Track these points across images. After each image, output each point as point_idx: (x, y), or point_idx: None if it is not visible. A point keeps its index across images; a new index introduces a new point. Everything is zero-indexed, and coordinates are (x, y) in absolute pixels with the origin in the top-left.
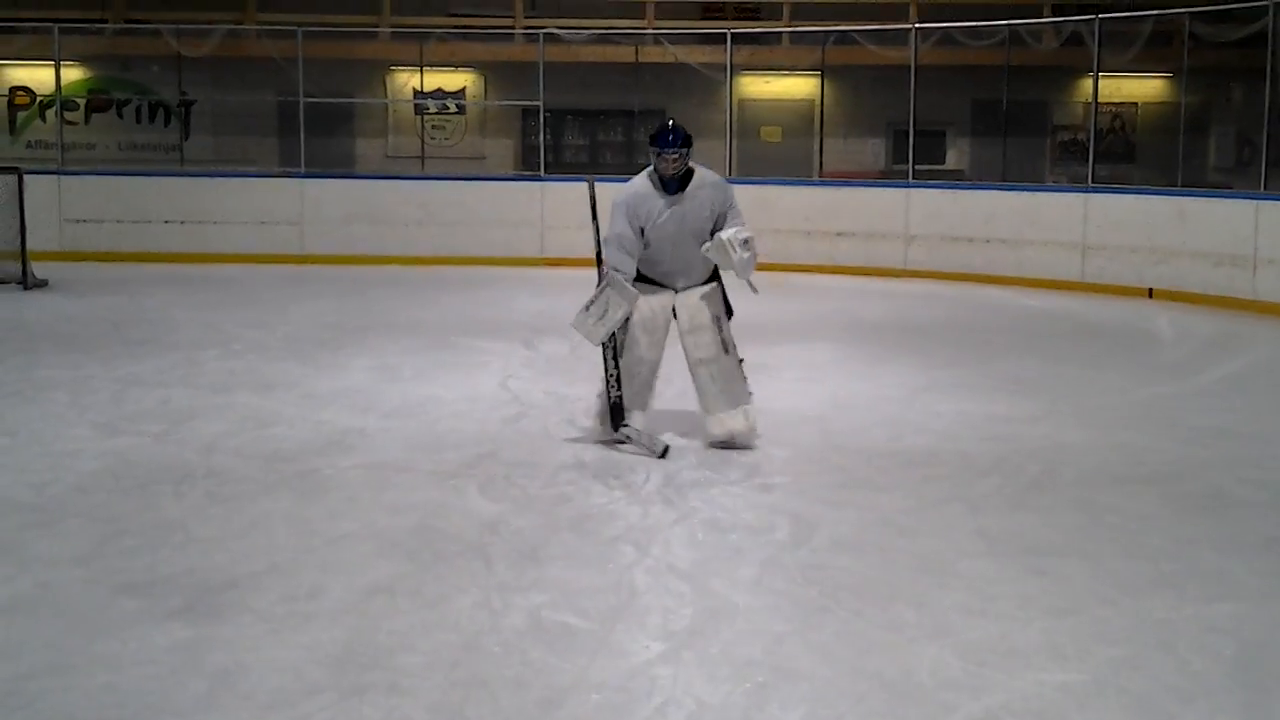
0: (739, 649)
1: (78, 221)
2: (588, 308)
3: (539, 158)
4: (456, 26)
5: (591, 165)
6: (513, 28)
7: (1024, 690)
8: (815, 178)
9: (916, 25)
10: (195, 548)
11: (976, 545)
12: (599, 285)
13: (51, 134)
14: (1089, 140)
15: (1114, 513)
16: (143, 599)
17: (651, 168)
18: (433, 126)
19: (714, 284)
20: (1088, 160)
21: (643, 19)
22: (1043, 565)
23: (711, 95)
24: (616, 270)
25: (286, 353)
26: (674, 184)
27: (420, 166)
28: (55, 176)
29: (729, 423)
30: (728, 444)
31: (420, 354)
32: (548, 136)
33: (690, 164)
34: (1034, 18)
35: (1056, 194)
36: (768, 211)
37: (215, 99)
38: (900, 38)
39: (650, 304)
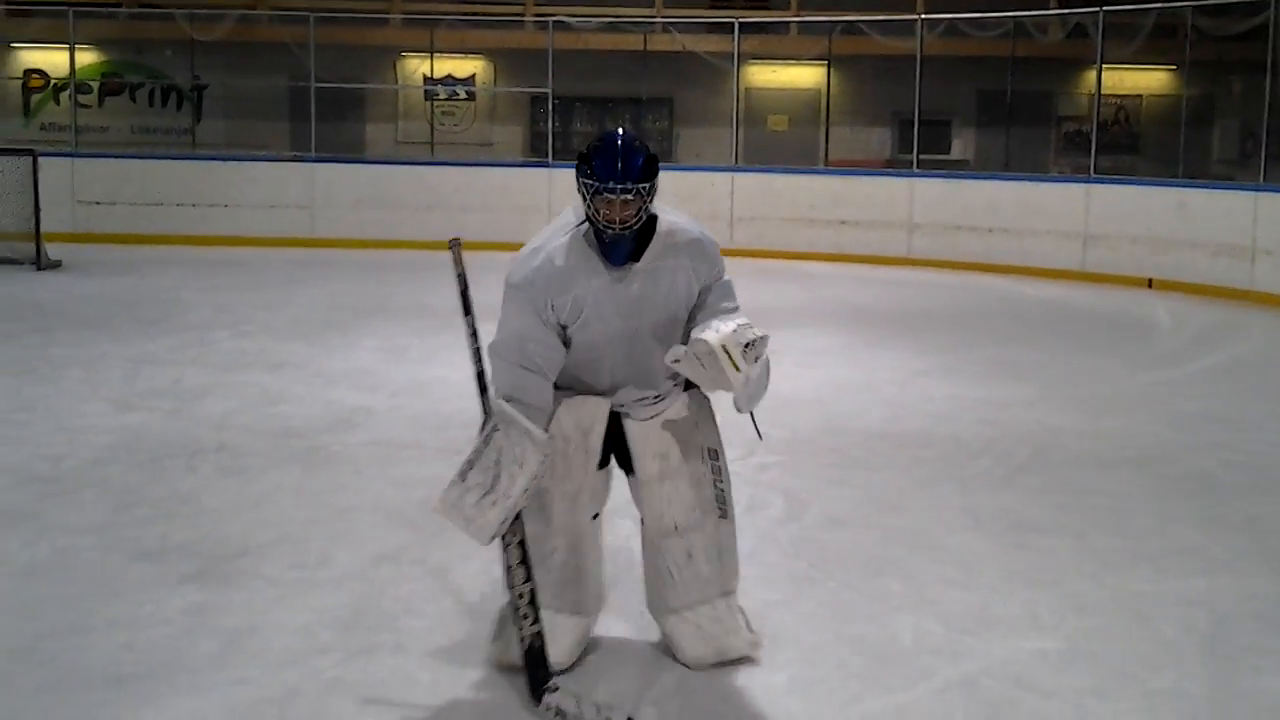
0: None
1: (91, 203)
2: (464, 474)
3: (547, 144)
4: (467, 13)
5: None
6: (523, 15)
7: (1002, 656)
8: (821, 166)
9: (923, 16)
10: (207, 518)
11: (964, 522)
12: (483, 430)
13: (65, 117)
14: (1092, 131)
15: (1099, 493)
16: (157, 565)
17: (581, 219)
18: (442, 112)
19: (693, 396)
20: (1091, 151)
21: (651, 7)
22: (1027, 541)
23: (719, 84)
24: (514, 401)
25: (296, 333)
26: (626, 247)
27: (430, 152)
28: (69, 159)
29: (716, 632)
30: (719, 662)
31: (427, 336)
32: (556, 123)
33: (654, 210)
34: (1039, 9)
35: (1059, 184)
36: (773, 199)
37: (227, 83)
38: (906, 28)
39: (568, 420)
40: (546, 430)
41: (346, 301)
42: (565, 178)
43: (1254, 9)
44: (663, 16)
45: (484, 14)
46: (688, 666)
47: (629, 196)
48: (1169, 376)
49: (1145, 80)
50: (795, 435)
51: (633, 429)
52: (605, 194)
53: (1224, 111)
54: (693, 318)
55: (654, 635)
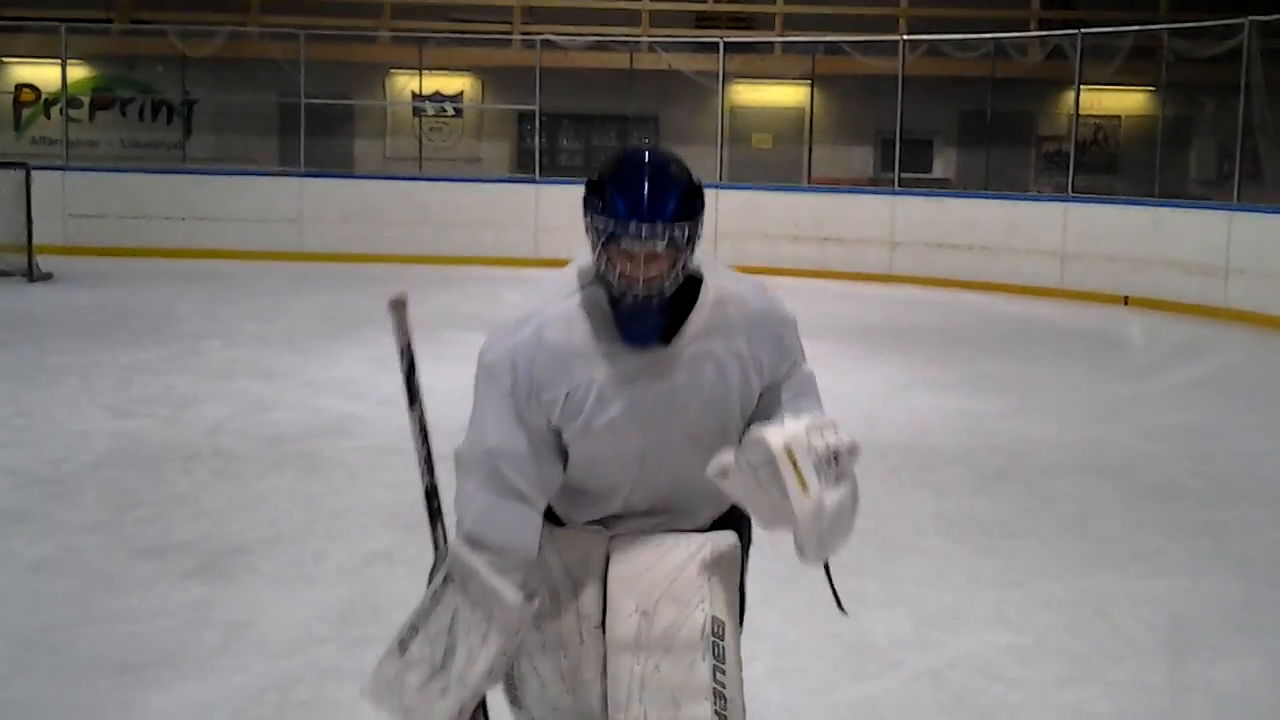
0: None
1: (81, 216)
2: (404, 643)
3: (534, 160)
4: (455, 31)
5: (586, 169)
6: (510, 33)
7: (970, 650)
8: (804, 184)
9: (905, 37)
10: (206, 518)
11: (936, 526)
12: (432, 582)
13: (55, 131)
14: (1070, 151)
15: (1068, 500)
16: (158, 562)
17: (577, 276)
18: (430, 129)
19: (726, 540)
20: (1069, 171)
21: (638, 27)
22: (996, 545)
23: (703, 102)
24: (477, 544)
25: (286, 344)
26: (649, 321)
27: (418, 168)
28: (60, 172)
29: None
30: None
31: (415, 347)
32: (543, 140)
33: (697, 268)
34: (1019, 31)
35: (1037, 203)
36: (757, 217)
37: (217, 99)
38: (889, 49)
39: (555, 564)
40: (526, 586)
41: (335, 313)
42: (552, 194)
43: (1230, 32)
44: (649, 36)
45: (472, 32)
46: None
47: (660, 245)
48: (1142, 390)
49: (1123, 101)
50: None
51: (615, 565)
52: (625, 240)
53: (1201, 132)
54: (758, 415)
55: None
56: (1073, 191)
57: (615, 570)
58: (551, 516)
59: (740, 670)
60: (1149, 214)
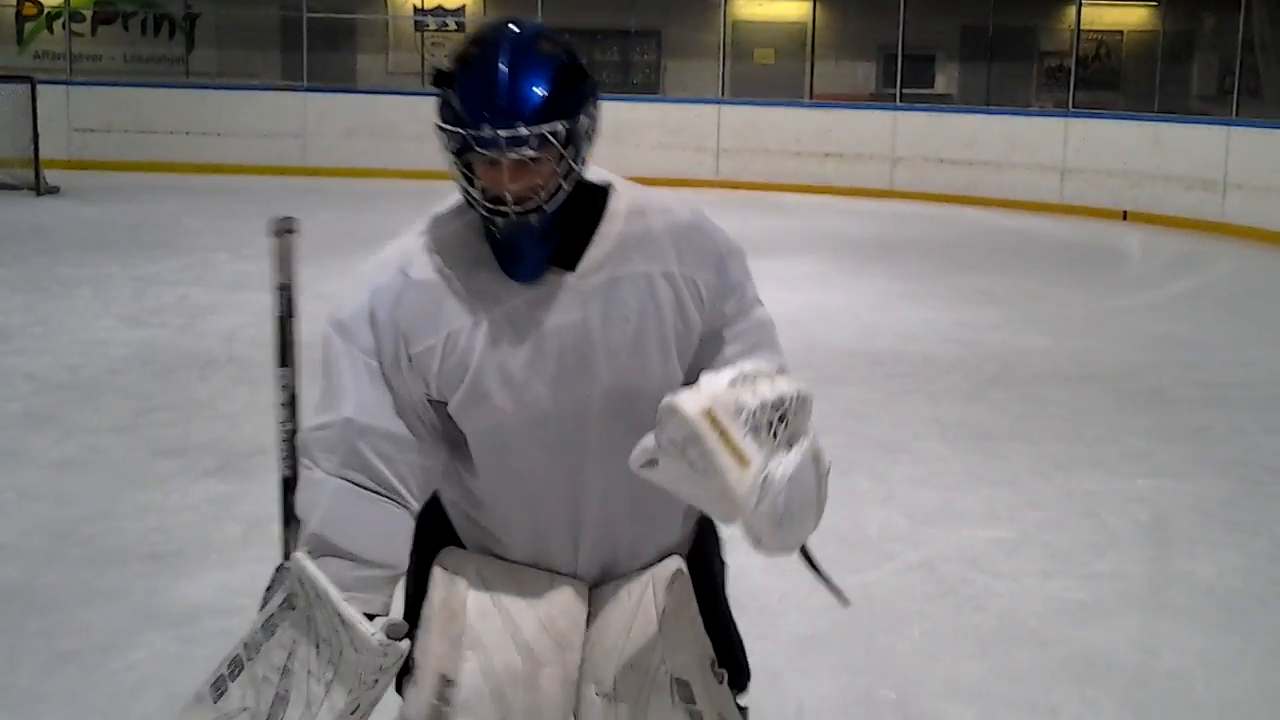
0: None
1: (86, 131)
2: (218, 687)
3: None
4: None
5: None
6: None
7: (959, 544)
8: (806, 100)
9: None
10: (223, 421)
11: (931, 430)
12: (266, 603)
13: (58, 45)
14: (1072, 67)
15: (1059, 405)
16: (179, 461)
17: (463, 202)
18: (432, 43)
19: (663, 567)
20: (1070, 86)
21: None
22: (988, 447)
23: (706, 17)
24: (326, 552)
25: (296, 257)
26: (533, 247)
27: (420, 83)
28: (64, 86)
29: None
30: None
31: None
32: None
33: (601, 179)
34: None
35: (1038, 118)
36: (759, 133)
37: (219, 13)
38: None
39: (528, 618)
40: (392, 621)
41: (344, 228)
42: None
43: None
44: None
45: None
46: None
47: (526, 150)
48: (1136, 302)
49: (1125, 16)
50: None
51: (596, 628)
52: (480, 149)
53: (1202, 47)
54: (698, 366)
55: None
56: (1074, 107)
57: (593, 634)
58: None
59: (730, 705)
60: (1149, 129)
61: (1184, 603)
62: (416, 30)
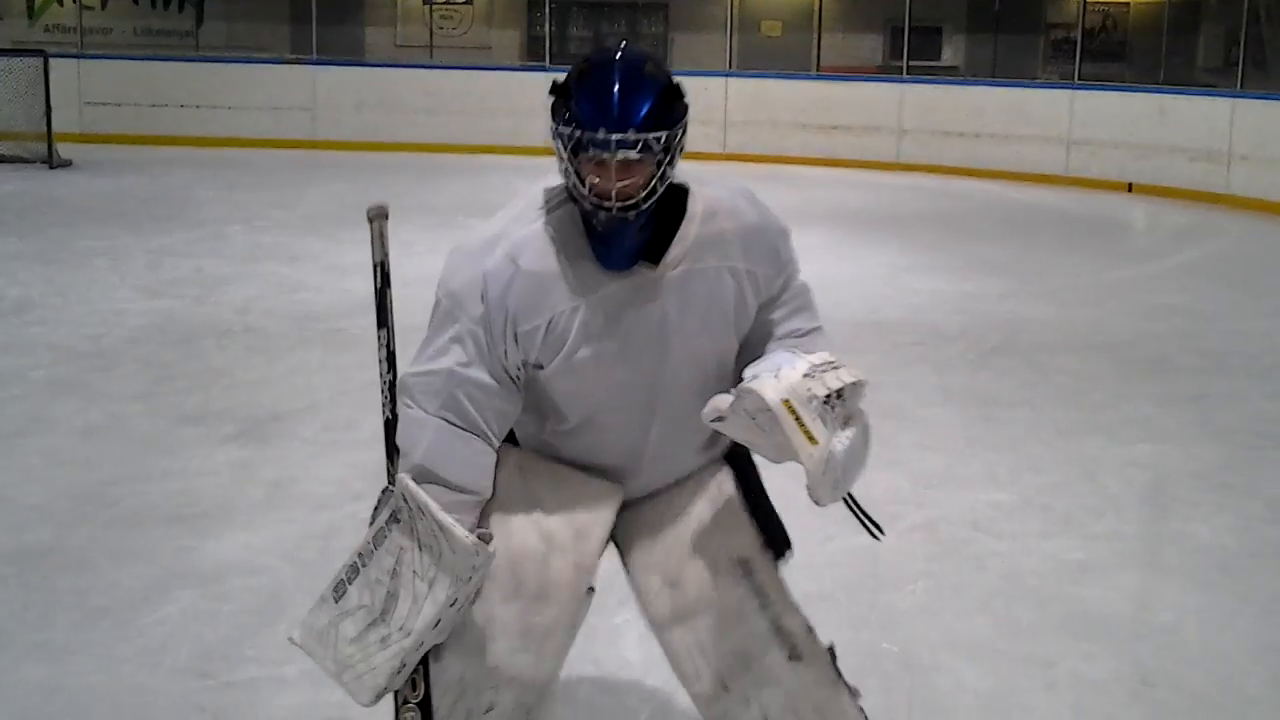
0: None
1: (98, 104)
2: (338, 590)
3: (544, 48)
4: None
5: None
6: None
7: (961, 506)
8: (813, 72)
9: None
10: (241, 389)
11: (936, 397)
12: (375, 520)
13: (69, 18)
14: (1078, 38)
15: (1063, 373)
16: (200, 427)
17: (562, 193)
18: (441, 16)
19: (718, 470)
20: (1076, 58)
21: None
22: (992, 414)
23: None
24: (430, 479)
25: (308, 229)
26: (628, 241)
27: (429, 56)
28: (75, 60)
29: None
30: None
31: (433, 232)
32: (553, 27)
33: (679, 179)
34: None
35: (1044, 90)
36: (766, 105)
37: None
38: None
39: (555, 508)
40: (481, 527)
41: (354, 200)
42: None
43: None
44: None
45: None
46: None
47: (633, 155)
48: (1141, 273)
49: None
50: None
51: (627, 537)
52: (595, 150)
53: (1208, 19)
54: (748, 347)
55: None
56: (1079, 79)
57: (631, 540)
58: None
59: (785, 592)
60: (1154, 101)
61: (1179, 562)
62: (425, 4)
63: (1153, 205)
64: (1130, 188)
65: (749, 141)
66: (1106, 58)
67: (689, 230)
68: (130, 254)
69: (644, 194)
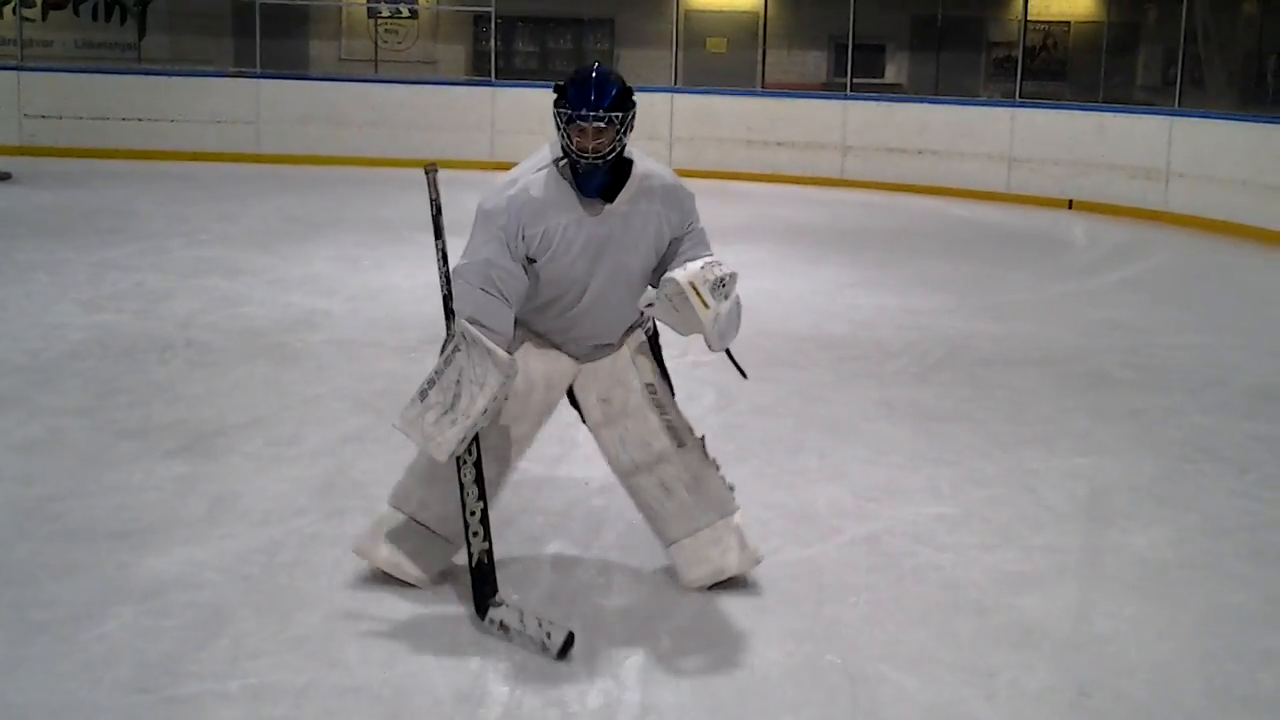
0: None
1: (37, 117)
2: (424, 393)
3: (490, 63)
4: None
5: (541, 72)
6: None
7: (903, 519)
8: (758, 89)
9: None
10: (184, 404)
11: (878, 411)
12: (444, 351)
13: (8, 31)
14: (1018, 57)
15: (1003, 388)
16: (142, 442)
17: (558, 155)
18: (385, 30)
19: (637, 337)
20: (1017, 76)
21: None
22: (933, 428)
23: (658, 5)
24: (476, 324)
25: (251, 243)
26: (600, 178)
27: (373, 70)
28: (15, 72)
29: (713, 554)
30: (719, 581)
31: (378, 247)
32: (498, 42)
33: (629, 151)
34: None
35: (986, 108)
36: (712, 121)
37: None
38: None
39: (537, 368)
40: (511, 354)
41: (298, 214)
42: (507, 96)
43: None
44: None
45: None
46: (696, 587)
47: (601, 125)
48: (1080, 288)
49: (1071, 7)
50: None
51: (577, 378)
52: (579, 122)
53: (1147, 39)
54: (663, 267)
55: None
56: (1020, 97)
57: (576, 381)
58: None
59: (674, 404)
60: (1094, 119)
61: (1117, 573)
62: (369, 17)
63: (1092, 222)
64: (1071, 204)
65: (695, 157)
66: (1047, 76)
67: (632, 185)
68: (71, 268)
69: (608, 150)
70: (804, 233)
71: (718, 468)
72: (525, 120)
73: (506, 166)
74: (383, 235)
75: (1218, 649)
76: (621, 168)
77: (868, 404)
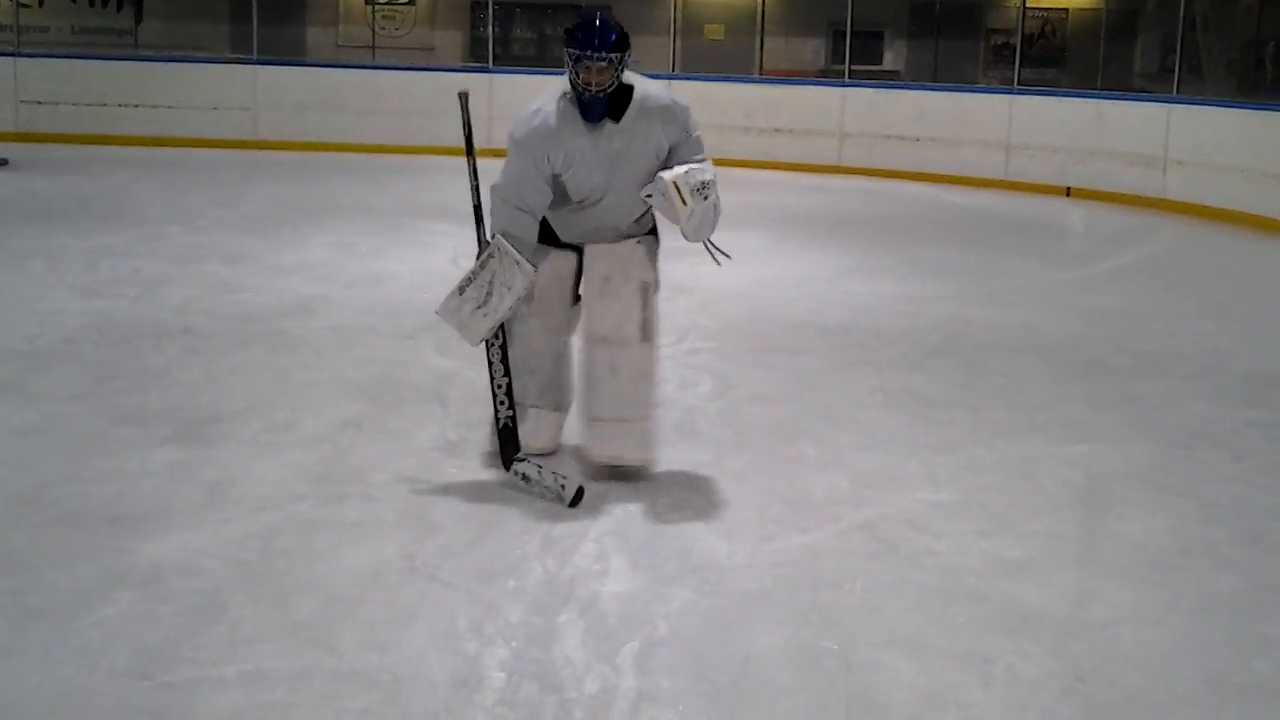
0: (661, 472)
1: (34, 103)
2: (462, 289)
3: (488, 50)
4: None
5: (539, 59)
6: None
7: (900, 506)
8: (756, 75)
9: None
10: (180, 390)
11: (875, 398)
12: (479, 257)
13: (4, 17)
14: (1017, 44)
15: (1000, 375)
16: (138, 428)
17: (566, 85)
18: (383, 16)
19: (649, 238)
20: (1015, 64)
21: None
22: (931, 414)
23: None
24: (507, 236)
25: (248, 229)
26: (600, 107)
27: (370, 56)
28: (11, 59)
29: (619, 442)
30: (614, 469)
31: (375, 234)
32: (496, 29)
33: (628, 77)
34: None
35: (984, 95)
36: (709, 107)
37: None
38: None
39: (548, 270)
40: (533, 264)
41: (295, 201)
42: (505, 83)
43: None
44: None
45: None
46: (596, 464)
47: (603, 64)
48: (1078, 275)
49: None
50: (725, 325)
51: (588, 253)
52: (584, 61)
53: (1145, 26)
54: (666, 167)
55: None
56: (1019, 84)
57: (586, 255)
58: (549, 239)
59: (655, 305)
60: (1092, 106)
61: (1114, 560)
62: (367, 3)
63: (1090, 209)
64: (1068, 192)
65: None
66: (1045, 63)
67: (634, 106)
68: (67, 254)
69: (608, 84)
70: (801, 219)
71: (656, 381)
72: (523, 107)
73: (504, 154)
74: (380, 221)
75: (1214, 635)
76: (624, 93)
77: (865, 391)
